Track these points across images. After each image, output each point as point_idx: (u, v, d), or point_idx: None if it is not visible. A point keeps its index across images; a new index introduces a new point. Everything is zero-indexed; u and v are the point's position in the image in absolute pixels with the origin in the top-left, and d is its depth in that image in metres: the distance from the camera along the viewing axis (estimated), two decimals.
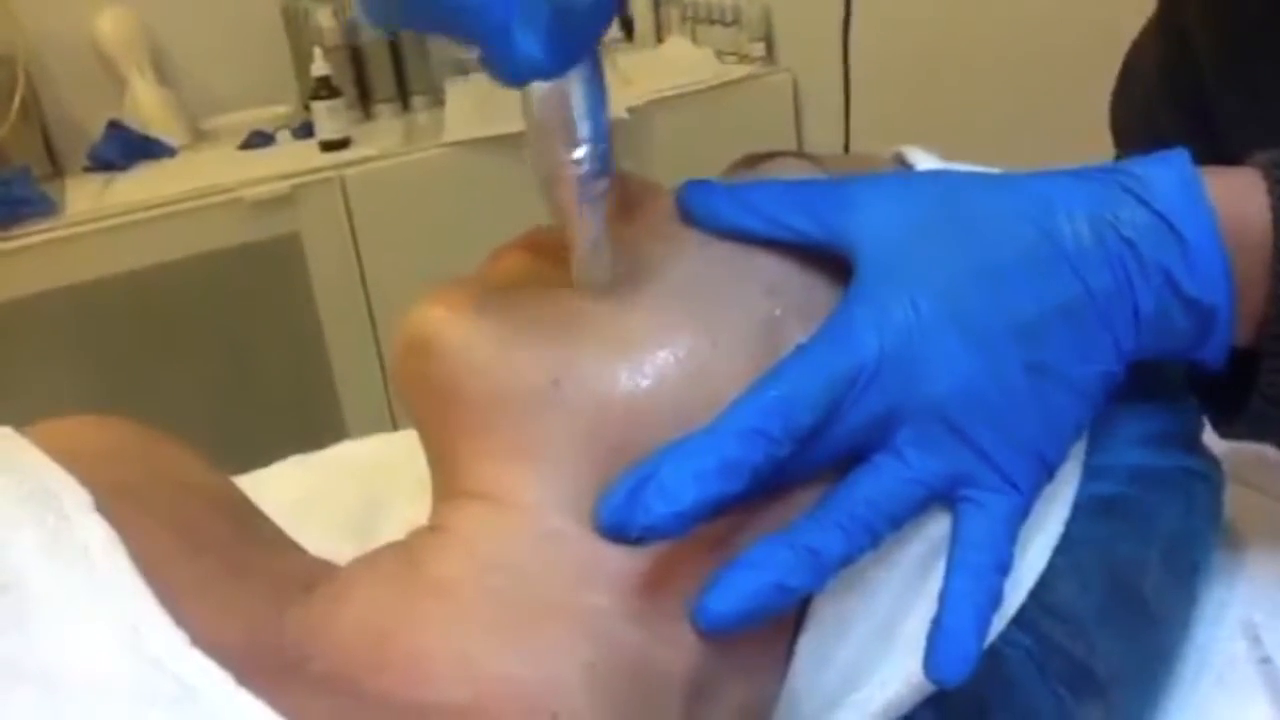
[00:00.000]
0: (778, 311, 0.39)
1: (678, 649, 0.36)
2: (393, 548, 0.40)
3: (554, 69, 0.33)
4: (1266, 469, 0.52)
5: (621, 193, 0.43)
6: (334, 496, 0.66)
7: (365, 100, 1.88)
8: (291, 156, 1.71)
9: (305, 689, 0.33)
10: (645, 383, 0.37)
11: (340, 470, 0.70)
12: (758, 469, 0.35)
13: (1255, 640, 0.44)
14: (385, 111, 1.88)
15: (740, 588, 0.35)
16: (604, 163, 0.36)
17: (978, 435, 0.36)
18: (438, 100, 1.86)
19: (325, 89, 1.69)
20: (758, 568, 0.36)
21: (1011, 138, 1.40)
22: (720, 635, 0.36)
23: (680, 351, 0.38)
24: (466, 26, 0.32)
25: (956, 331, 0.36)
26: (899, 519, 0.37)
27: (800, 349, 0.37)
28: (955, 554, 0.37)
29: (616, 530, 0.35)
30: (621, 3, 0.37)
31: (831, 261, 0.39)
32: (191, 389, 1.58)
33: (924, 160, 0.47)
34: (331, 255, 1.66)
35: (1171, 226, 0.36)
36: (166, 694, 0.28)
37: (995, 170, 0.47)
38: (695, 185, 0.41)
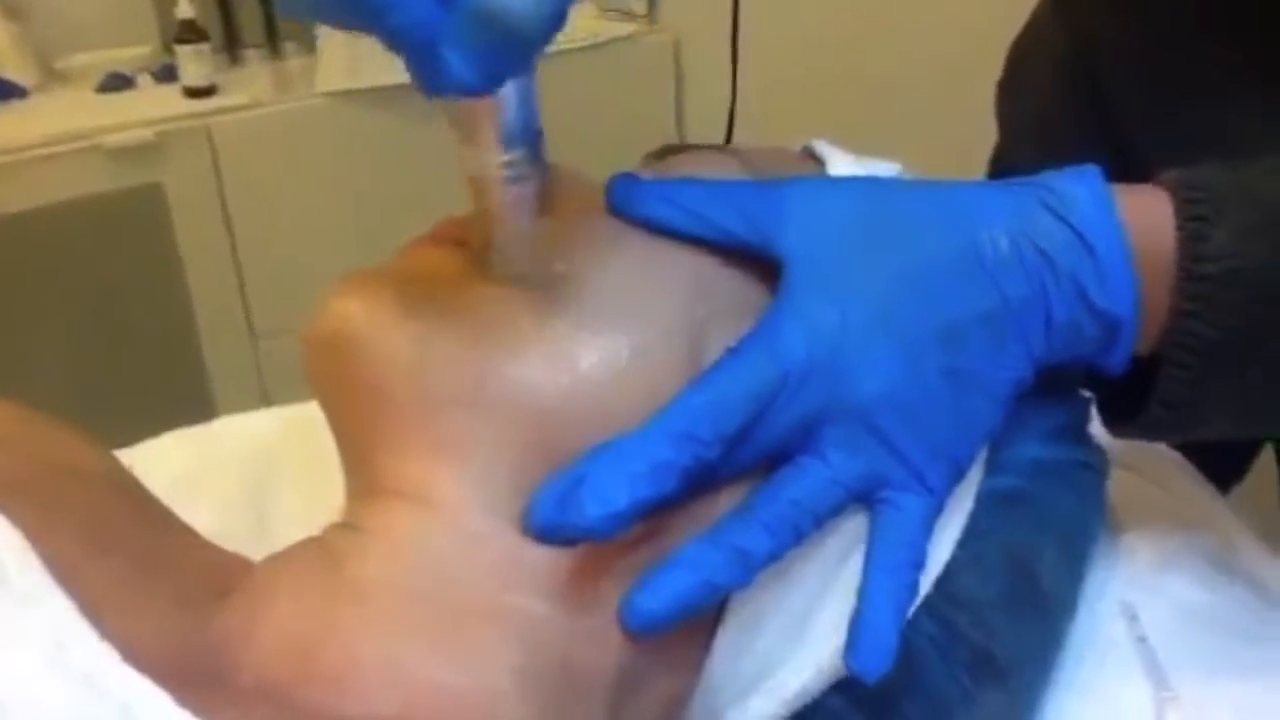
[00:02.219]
0: (702, 311, 0.40)
1: (605, 648, 0.37)
2: (309, 547, 0.39)
3: (483, 89, 0.31)
4: (1141, 452, 0.55)
5: (549, 187, 0.42)
6: (218, 475, 0.64)
7: (232, 45, 1.80)
8: (153, 102, 1.64)
9: (236, 705, 0.32)
10: (571, 383, 0.37)
11: (223, 447, 0.68)
12: (687, 471, 0.36)
13: (1133, 620, 0.47)
14: (253, 57, 1.81)
15: (670, 587, 0.36)
16: (531, 167, 0.36)
17: (898, 439, 0.38)
18: (310, 47, 1.80)
19: (190, 32, 1.62)
20: (687, 567, 0.36)
21: (901, 115, 1.43)
22: (648, 634, 0.36)
23: (606, 351, 0.38)
24: (389, 38, 0.30)
25: (882, 339, 0.37)
26: (822, 518, 0.38)
27: (729, 353, 0.38)
28: (874, 553, 0.38)
29: (548, 532, 0.36)
30: (564, 20, 0.32)
31: (756, 263, 0.40)
32: (47, 348, 1.51)
33: (835, 156, 0.48)
34: (197, 208, 1.60)
35: (1085, 241, 0.38)
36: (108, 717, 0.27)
37: (900, 171, 0.48)
38: (624, 180, 0.41)
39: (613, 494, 0.34)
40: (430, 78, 0.30)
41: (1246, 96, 0.56)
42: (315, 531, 0.40)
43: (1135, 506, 0.52)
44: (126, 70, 1.72)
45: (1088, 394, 0.47)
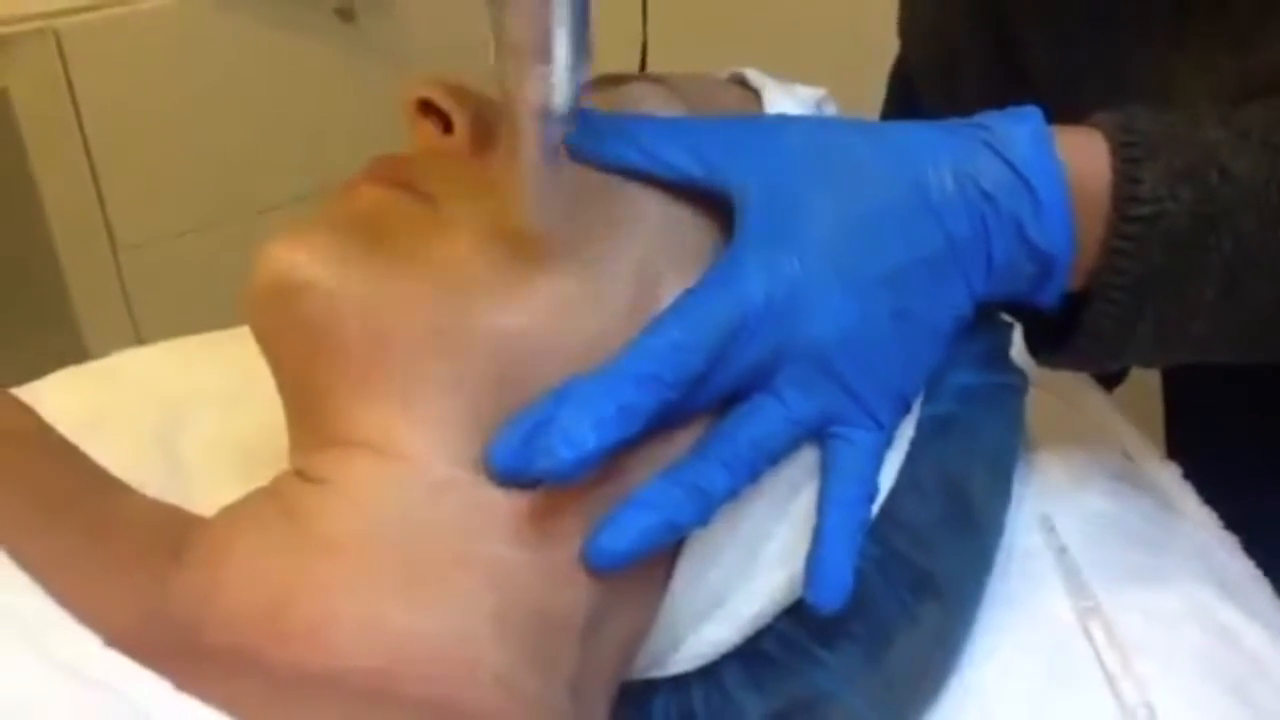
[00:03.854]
0: (653, 250, 0.40)
1: (573, 588, 0.37)
2: (263, 500, 0.38)
3: None
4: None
5: (494, 121, 0.41)
6: (125, 413, 0.62)
7: None
8: None
9: (207, 670, 0.31)
10: (528, 325, 0.37)
11: (125, 383, 0.65)
12: (652, 413, 0.36)
13: (1051, 532, 0.50)
14: None
15: (633, 526, 0.37)
16: (575, 96, 0.34)
17: (850, 377, 0.39)
18: None
19: None
20: (649, 507, 0.37)
21: (807, 35, 1.42)
22: (612, 572, 0.37)
23: (561, 291, 0.38)
24: None
25: (836, 280, 0.38)
26: (777, 456, 0.39)
27: (690, 294, 0.38)
28: (828, 488, 0.40)
29: (512, 475, 0.36)
30: None
31: (707, 202, 0.40)
32: None
33: (770, 87, 0.48)
34: (47, 115, 1.49)
35: (1025, 181, 0.39)
36: (117, 715, 0.26)
37: (824, 96, 0.49)
38: (580, 117, 0.40)
39: (581, 437, 0.35)
40: None
41: (1143, 32, 0.57)
42: (230, 476, 0.39)
43: (1046, 420, 0.55)
44: None
45: (1009, 319, 0.49)
